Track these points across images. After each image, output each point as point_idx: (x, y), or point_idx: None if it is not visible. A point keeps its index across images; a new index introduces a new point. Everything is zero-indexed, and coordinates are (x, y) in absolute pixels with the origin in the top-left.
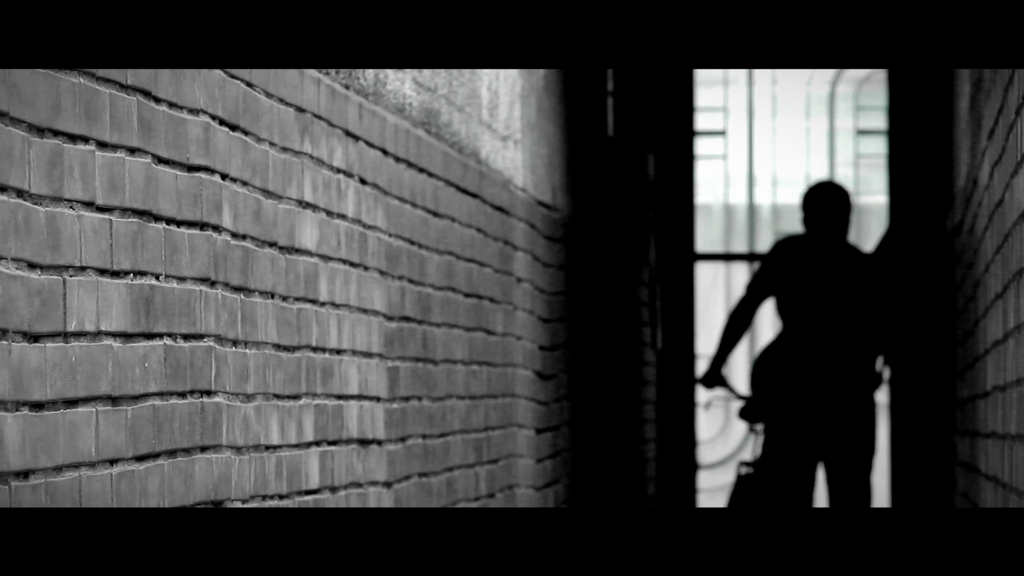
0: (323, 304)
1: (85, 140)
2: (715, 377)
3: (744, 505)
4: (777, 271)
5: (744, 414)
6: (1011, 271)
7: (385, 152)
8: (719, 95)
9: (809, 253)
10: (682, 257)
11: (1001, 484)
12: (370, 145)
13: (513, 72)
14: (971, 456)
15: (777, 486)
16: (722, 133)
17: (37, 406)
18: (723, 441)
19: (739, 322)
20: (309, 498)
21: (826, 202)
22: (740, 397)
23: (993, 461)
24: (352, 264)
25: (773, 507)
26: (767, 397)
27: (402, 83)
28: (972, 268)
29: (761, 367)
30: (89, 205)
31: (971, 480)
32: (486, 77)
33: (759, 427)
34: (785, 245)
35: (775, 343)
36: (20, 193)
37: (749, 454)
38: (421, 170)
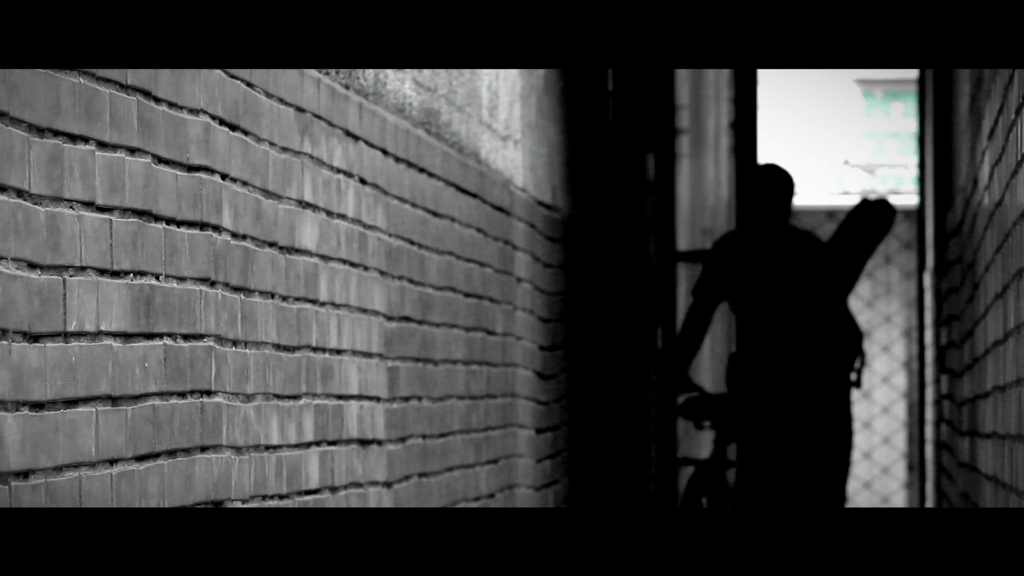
0: (323, 304)
1: (85, 140)
2: (682, 382)
3: (698, 501)
4: (724, 271)
5: (687, 412)
6: (1011, 271)
7: (385, 152)
8: (684, 93)
9: (754, 247)
10: (665, 257)
11: (1001, 484)
12: (370, 145)
13: (513, 72)
14: (971, 456)
15: (749, 491)
16: (684, 131)
17: (37, 406)
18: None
19: (695, 329)
20: (309, 498)
21: (765, 183)
22: (699, 391)
23: (993, 461)
24: (352, 264)
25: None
26: (742, 411)
27: (402, 83)
28: (972, 268)
29: (733, 380)
30: (89, 205)
31: (971, 480)
32: (486, 77)
33: (706, 424)
34: (727, 242)
35: (740, 354)
36: (20, 193)
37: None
38: (421, 170)
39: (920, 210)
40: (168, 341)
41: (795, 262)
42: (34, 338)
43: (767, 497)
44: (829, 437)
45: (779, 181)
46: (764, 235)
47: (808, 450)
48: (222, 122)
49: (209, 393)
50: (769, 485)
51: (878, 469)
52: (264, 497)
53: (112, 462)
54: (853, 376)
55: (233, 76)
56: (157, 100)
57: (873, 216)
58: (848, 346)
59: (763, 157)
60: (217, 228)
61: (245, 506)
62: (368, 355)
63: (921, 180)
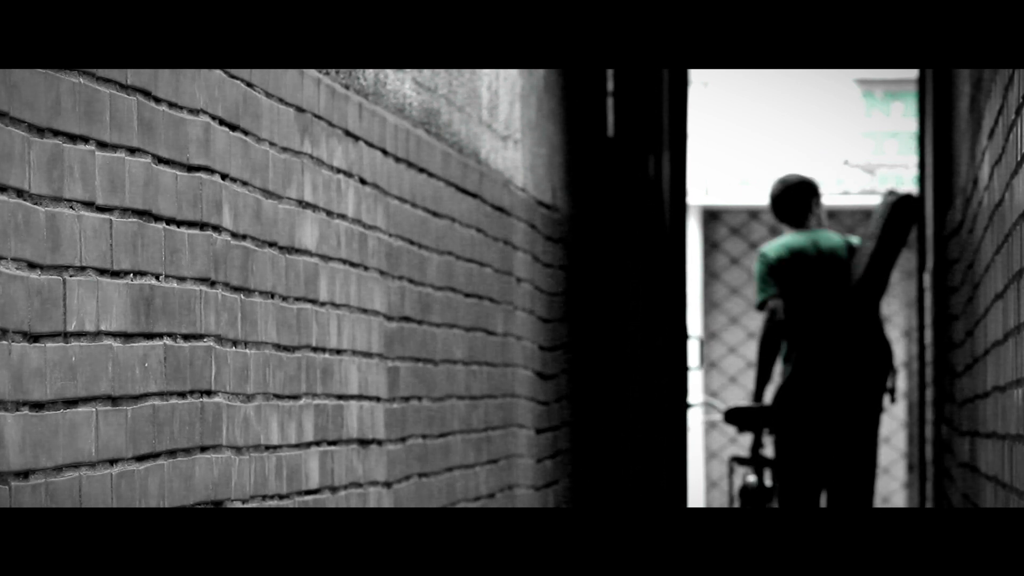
0: (323, 304)
1: (85, 140)
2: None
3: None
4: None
5: (730, 418)
6: (1011, 271)
7: (385, 152)
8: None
9: (791, 261)
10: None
11: (1001, 484)
12: (370, 145)
13: (513, 72)
14: (971, 456)
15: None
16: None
17: (37, 406)
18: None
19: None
20: (309, 498)
21: (784, 192)
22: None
23: (993, 461)
24: (352, 264)
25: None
26: (778, 422)
27: (402, 83)
28: (972, 268)
29: (783, 397)
30: (89, 205)
31: (971, 480)
32: (486, 77)
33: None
34: (769, 255)
35: (793, 372)
36: (20, 193)
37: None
38: (421, 170)
39: (920, 210)
40: (168, 341)
41: (825, 271)
42: (34, 338)
43: (796, 499)
44: (855, 446)
45: (791, 191)
46: (793, 246)
47: (834, 457)
48: (222, 122)
49: (209, 393)
50: (797, 488)
51: (878, 469)
52: (264, 497)
53: (112, 462)
54: (887, 395)
55: (233, 76)
56: (157, 100)
57: (902, 216)
58: (881, 360)
59: (762, 157)
60: (217, 228)
61: (245, 506)
62: (368, 355)
63: (921, 180)
